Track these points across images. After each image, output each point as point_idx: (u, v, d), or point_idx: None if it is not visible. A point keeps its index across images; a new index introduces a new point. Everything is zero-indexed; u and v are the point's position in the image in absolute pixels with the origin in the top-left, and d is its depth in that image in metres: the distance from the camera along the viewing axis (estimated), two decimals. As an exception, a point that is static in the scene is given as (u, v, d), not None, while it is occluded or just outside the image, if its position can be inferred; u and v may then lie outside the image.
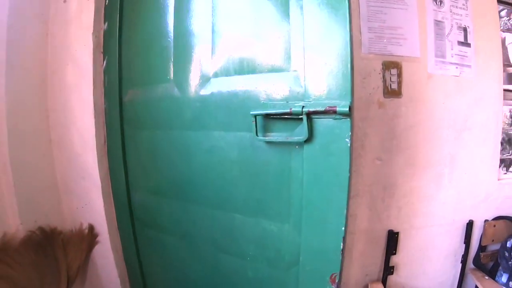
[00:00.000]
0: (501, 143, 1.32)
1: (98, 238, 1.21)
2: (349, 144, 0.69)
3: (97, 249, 1.21)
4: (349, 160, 0.70)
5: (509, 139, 1.31)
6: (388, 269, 1.06)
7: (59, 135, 1.18)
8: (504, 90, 1.21)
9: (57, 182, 1.24)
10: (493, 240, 1.21)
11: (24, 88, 1.17)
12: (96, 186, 1.10)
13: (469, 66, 1.08)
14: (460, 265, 1.19)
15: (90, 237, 1.24)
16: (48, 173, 1.23)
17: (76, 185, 1.17)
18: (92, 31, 1.08)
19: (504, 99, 1.31)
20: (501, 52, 1.18)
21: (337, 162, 0.71)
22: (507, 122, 1.51)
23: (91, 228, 1.22)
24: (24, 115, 1.16)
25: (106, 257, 1.19)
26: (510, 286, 1.14)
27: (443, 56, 1.03)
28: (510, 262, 1.16)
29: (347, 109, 0.66)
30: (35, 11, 1.21)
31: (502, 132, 1.42)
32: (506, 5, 1.29)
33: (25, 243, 1.14)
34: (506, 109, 1.45)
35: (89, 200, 1.15)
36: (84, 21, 1.12)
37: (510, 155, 1.30)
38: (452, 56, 1.05)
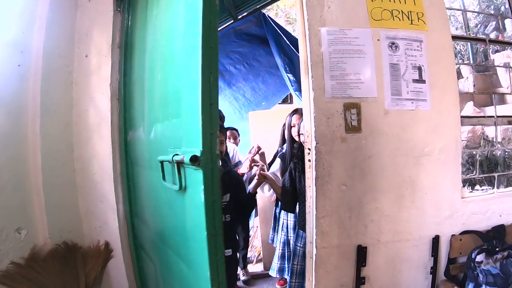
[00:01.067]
0: (466, 164, 1.46)
1: (113, 253, 1.43)
2: (203, 199, 0.66)
3: (111, 263, 1.43)
4: (204, 218, 0.68)
5: (473, 161, 1.43)
6: (360, 280, 1.20)
7: (82, 165, 1.43)
8: (463, 117, 1.37)
9: (79, 205, 1.48)
10: (460, 253, 1.34)
11: (54, 127, 1.43)
12: (112, 209, 1.32)
13: (424, 100, 1.25)
14: (431, 276, 1.32)
15: (106, 252, 1.47)
16: (72, 197, 1.48)
17: (95, 208, 1.41)
18: (109, 82, 1.34)
19: (468, 124, 1.46)
20: (457, 83, 1.35)
21: (198, 216, 0.71)
22: (478, 142, 1.64)
23: (106, 244, 1.44)
24: (54, 148, 1.41)
25: (119, 269, 1.40)
26: (475, 295, 1.25)
27: (398, 94, 1.21)
28: (475, 272, 1.28)
29: (191, 157, 0.64)
30: (62, 63, 1.49)
31: (467, 154, 1.56)
32: (461, 40, 1.45)
33: (51, 254, 1.37)
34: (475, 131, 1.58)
35: (106, 221, 1.38)
36: (103, 73, 1.38)
37: (474, 175, 1.43)
38: (408, 93, 1.22)
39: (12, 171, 1.28)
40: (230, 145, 2.19)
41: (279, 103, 3.78)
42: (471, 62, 2.24)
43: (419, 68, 1.26)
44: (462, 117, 1.34)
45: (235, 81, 3.25)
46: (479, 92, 2.21)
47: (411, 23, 1.30)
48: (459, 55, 3.39)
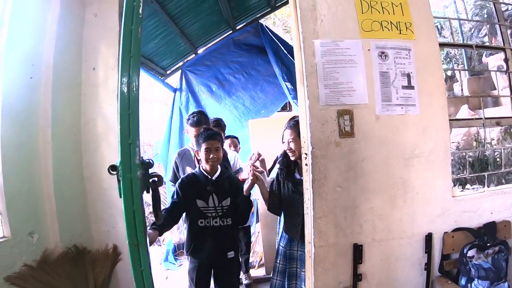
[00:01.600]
0: (457, 165, 1.53)
1: (121, 256, 1.50)
2: (123, 209, 0.74)
3: (119, 266, 1.49)
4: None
5: (464, 161, 1.50)
6: (357, 277, 1.27)
7: (91, 173, 1.50)
8: (451, 120, 1.44)
9: (89, 210, 1.55)
10: (453, 249, 1.40)
11: (64, 136, 1.50)
12: (120, 214, 1.39)
13: (413, 105, 1.32)
14: (426, 272, 1.38)
15: (114, 255, 1.53)
16: (82, 203, 1.55)
17: (104, 213, 1.48)
18: (116, 93, 1.42)
19: (457, 126, 1.53)
20: (444, 88, 1.42)
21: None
22: (471, 144, 1.71)
23: (115, 248, 1.51)
24: (64, 156, 1.48)
25: (127, 272, 1.46)
26: (468, 287, 1.31)
27: (389, 100, 1.28)
28: (467, 267, 1.34)
29: (108, 167, 0.71)
30: (71, 76, 1.57)
31: (458, 155, 1.63)
32: (449, 47, 1.53)
33: (62, 258, 1.43)
34: (468, 132, 1.65)
35: (114, 225, 1.44)
36: (110, 85, 1.47)
37: (465, 175, 1.50)
38: (397, 99, 1.30)
39: (24, 179, 1.35)
40: (231, 153, 2.26)
41: (278, 111, 3.86)
42: (465, 66, 2.31)
43: (408, 75, 1.34)
44: (450, 120, 1.42)
45: (234, 90, 3.35)
46: (469, 96, 2.28)
47: (400, 33, 1.38)
48: (454, 59, 3.47)
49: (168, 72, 3.36)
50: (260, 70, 3.36)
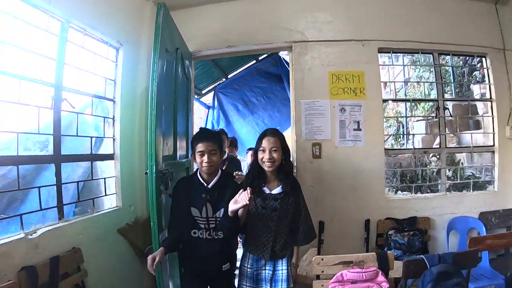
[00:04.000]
0: (396, 177, 2.38)
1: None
2: None
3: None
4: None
5: (399, 175, 2.35)
6: (321, 241, 2.13)
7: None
8: (386, 149, 2.29)
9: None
10: (384, 231, 2.24)
11: (132, 142, 2.40)
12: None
13: (360, 140, 2.19)
14: (365, 244, 2.23)
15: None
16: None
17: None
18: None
19: (392, 154, 2.39)
20: (383, 130, 2.28)
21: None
22: (410, 163, 2.55)
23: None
24: (144, 157, 2.40)
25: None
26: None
27: (344, 137, 2.16)
28: (389, 241, 2.17)
29: None
30: (130, 102, 2.51)
31: (400, 171, 2.47)
32: (390, 101, 2.39)
33: (145, 222, 2.35)
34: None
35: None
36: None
37: (395, 184, 2.34)
38: (349, 137, 2.17)
39: (128, 171, 2.27)
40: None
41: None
42: (453, 95, 3.03)
43: (358, 122, 2.21)
44: (386, 149, 2.27)
45: (256, 110, 4.17)
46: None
47: (355, 95, 2.25)
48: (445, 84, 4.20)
49: (203, 92, 4.24)
50: (278, 95, 4.09)
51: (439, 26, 2.43)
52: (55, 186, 1.64)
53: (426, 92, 3.15)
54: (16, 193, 1.57)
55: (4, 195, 1.56)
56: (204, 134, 1.44)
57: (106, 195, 2.03)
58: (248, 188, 1.25)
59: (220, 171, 1.47)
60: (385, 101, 2.40)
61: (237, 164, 2.82)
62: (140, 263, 2.11)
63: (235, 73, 4.25)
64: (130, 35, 2.15)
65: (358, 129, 2.21)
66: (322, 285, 1.42)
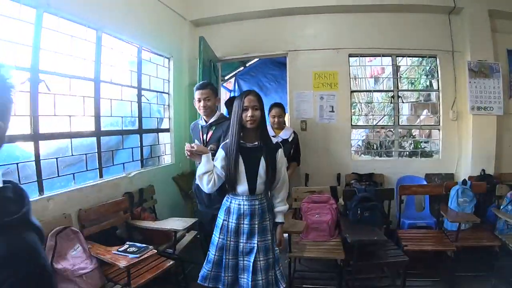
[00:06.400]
0: (362, 143, 3.39)
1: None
2: None
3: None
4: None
5: (367, 143, 3.35)
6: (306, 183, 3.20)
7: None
8: (352, 125, 3.29)
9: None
10: (350, 181, 3.26)
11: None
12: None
13: (333, 119, 3.20)
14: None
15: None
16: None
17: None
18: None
19: (356, 128, 3.40)
20: (350, 112, 3.26)
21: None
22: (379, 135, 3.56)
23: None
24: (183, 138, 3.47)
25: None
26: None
27: (322, 116, 3.17)
28: (352, 187, 3.21)
29: None
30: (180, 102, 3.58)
31: (365, 139, 3.49)
32: (356, 92, 3.36)
33: (190, 174, 3.47)
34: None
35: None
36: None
37: (360, 150, 3.36)
38: (326, 116, 3.19)
39: (178, 138, 3.35)
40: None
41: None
42: (408, 87, 3.90)
43: (332, 106, 3.20)
44: (352, 125, 3.27)
45: (269, 92, 4.95)
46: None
47: (331, 88, 3.23)
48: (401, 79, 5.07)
49: (226, 78, 4.94)
50: (287, 80, 4.96)
51: (398, 35, 3.28)
52: (138, 148, 2.74)
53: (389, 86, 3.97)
54: (119, 150, 2.68)
55: (111, 151, 2.69)
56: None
57: (165, 154, 3.14)
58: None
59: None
60: (353, 91, 3.36)
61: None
62: (183, 200, 3.21)
63: (251, 62, 4.92)
64: (176, 49, 3.18)
65: (332, 111, 3.20)
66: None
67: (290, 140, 2.71)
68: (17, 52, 1.69)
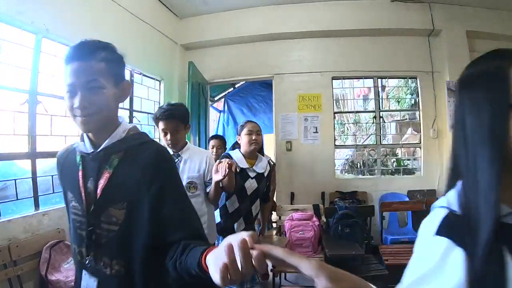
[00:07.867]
0: (345, 163, 3.54)
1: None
2: None
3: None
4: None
5: (351, 162, 3.50)
6: (292, 197, 3.29)
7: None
8: (336, 146, 3.45)
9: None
10: (334, 199, 3.38)
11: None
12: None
13: (317, 140, 3.35)
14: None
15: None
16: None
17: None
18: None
19: (339, 148, 3.55)
20: (333, 133, 3.42)
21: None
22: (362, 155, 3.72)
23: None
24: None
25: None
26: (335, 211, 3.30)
27: (306, 137, 3.32)
28: (335, 205, 3.33)
29: None
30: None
31: (349, 158, 3.64)
32: (339, 113, 3.54)
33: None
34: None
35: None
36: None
37: (343, 168, 3.50)
38: (310, 137, 3.33)
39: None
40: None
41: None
42: (389, 107, 4.11)
43: (316, 128, 3.36)
44: (335, 145, 3.42)
45: (258, 113, 5.09)
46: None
47: (315, 109, 3.40)
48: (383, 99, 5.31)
49: (215, 99, 5.15)
50: None
51: (379, 58, 3.46)
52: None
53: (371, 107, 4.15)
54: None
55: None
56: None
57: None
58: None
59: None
60: (336, 113, 3.54)
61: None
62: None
63: (240, 83, 5.09)
64: (166, 72, 3.32)
65: (316, 132, 3.36)
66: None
67: (266, 175, 1.88)
68: (16, 74, 1.80)
